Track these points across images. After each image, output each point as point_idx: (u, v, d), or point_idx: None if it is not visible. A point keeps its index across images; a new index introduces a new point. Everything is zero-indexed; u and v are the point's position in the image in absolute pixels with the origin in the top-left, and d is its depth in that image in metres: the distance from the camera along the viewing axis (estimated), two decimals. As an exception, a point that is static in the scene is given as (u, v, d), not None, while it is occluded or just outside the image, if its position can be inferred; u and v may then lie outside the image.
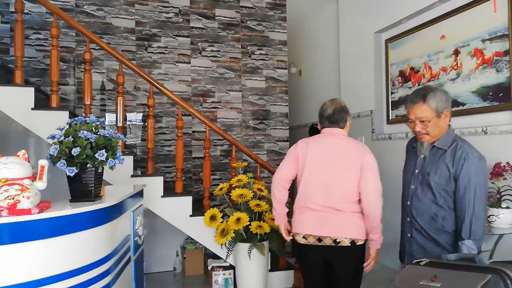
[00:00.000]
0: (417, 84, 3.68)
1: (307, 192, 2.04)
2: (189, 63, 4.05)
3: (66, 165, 1.48)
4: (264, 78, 4.29)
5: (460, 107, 3.16)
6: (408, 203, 2.02)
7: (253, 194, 2.98)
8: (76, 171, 1.50)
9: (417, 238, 1.95)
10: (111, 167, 1.60)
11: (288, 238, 2.19)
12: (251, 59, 4.25)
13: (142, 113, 3.65)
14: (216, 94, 4.11)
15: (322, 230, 1.97)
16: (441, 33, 3.37)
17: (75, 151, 1.48)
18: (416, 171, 2.00)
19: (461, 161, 1.81)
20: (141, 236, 2.18)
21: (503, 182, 2.61)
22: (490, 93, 2.90)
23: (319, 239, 1.97)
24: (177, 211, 3.02)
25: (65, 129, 1.58)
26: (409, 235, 2.00)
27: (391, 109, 4.06)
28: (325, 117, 2.17)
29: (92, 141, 1.55)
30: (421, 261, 1.22)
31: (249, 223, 2.86)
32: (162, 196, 3.01)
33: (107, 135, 1.60)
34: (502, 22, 2.78)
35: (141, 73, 3.06)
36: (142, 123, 3.58)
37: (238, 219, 2.86)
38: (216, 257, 3.23)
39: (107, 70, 3.79)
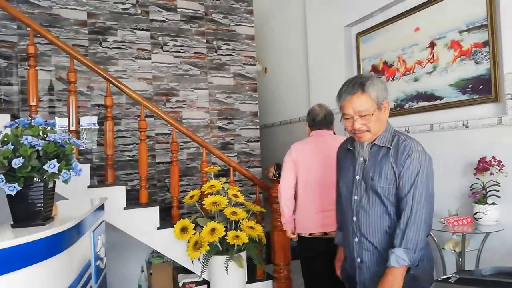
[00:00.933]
0: (391, 79, 3.60)
1: (309, 193, 2.24)
2: (149, 59, 3.72)
3: (4, 180, 1.16)
4: (232, 75, 4.05)
5: (438, 101, 3.10)
6: (354, 218, 1.65)
7: (228, 200, 2.73)
8: (19, 188, 1.19)
9: (369, 262, 1.61)
10: (65, 181, 1.29)
11: (294, 237, 2.37)
12: (218, 54, 3.99)
13: (97, 116, 3.27)
14: (181, 92, 3.82)
15: (327, 227, 2.17)
16: (416, 25, 3.29)
17: (17, 162, 1.17)
18: (357, 178, 1.67)
19: (404, 157, 1.60)
20: (104, 258, 1.86)
21: (488, 177, 2.55)
22: (470, 86, 2.85)
23: (325, 233, 2.20)
24: (142, 224, 2.71)
25: (3, 134, 1.25)
26: (358, 260, 1.63)
27: (364, 105, 3.94)
28: (318, 121, 2.42)
29: (39, 148, 1.24)
30: (449, 277, 1.04)
31: (225, 233, 2.61)
32: (124, 208, 2.68)
33: (59, 140, 1.29)
34: (481, 13, 2.72)
35: (96, 69, 2.71)
36: (98, 126, 3.21)
37: (213, 230, 2.60)
38: (186, 271, 2.95)
39: (56, 67, 3.38)
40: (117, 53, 3.62)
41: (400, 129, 3.59)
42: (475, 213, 2.56)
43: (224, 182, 2.86)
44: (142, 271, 3.41)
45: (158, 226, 2.76)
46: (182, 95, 3.82)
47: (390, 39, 3.59)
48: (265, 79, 6.23)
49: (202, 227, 2.67)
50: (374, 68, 3.79)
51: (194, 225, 2.70)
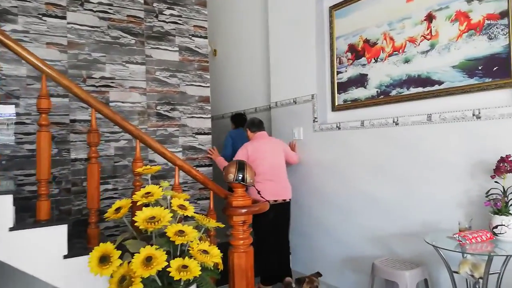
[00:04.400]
0: (373, 61, 3.01)
1: (263, 173, 3.10)
2: (64, 18, 2.77)
3: None
4: (177, 49, 3.22)
5: (436, 87, 2.55)
6: None
7: (172, 214, 1.93)
8: None
9: None
10: None
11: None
12: (159, 21, 3.13)
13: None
14: (108, 67, 2.91)
15: (277, 196, 3.19)
16: (409, -6, 2.72)
17: None
18: None
19: None
20: None
21: (510, 180, 2.03)
22: (480, 67, 2.32)
23: (275, 200, 3.15)
24: (40, 251, 1.82)
25: None
26: None
27: (338, 93, 3.34)
28: (256, 125, 3.37)
29: None
30: None
31: (167, 263, 1.81)
32: (11, 229, 1.78)
33: None
34: (501, -26, 2.20)
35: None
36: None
37: (149, 259, 1.78)
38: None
39: None
40: (16, 7, 2.63)
41: (385, 121, 3.07)
42: (495, 227, 2.02)
43: (167, 188, 2.06)
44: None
45: (66, 253, 1.89)
46: (110, 70, 2.92)
47: (373, 12, 3.00)
48: (214, 63, 5.44)
49: (133, 255, 1.84)
50: (352, 48, 3.19)
51: (120, 251, 1.86)
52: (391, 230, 2.78)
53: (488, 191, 2.08)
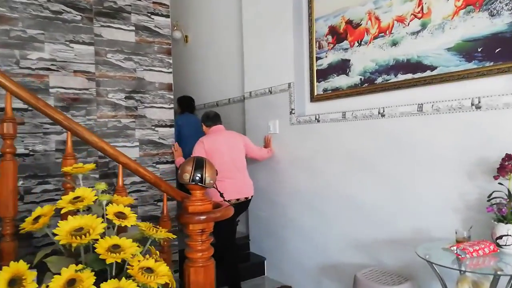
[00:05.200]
0: (356, 44, 2.67)
1: (222, 171, 2.59)
2: (-10, -14, 2.33)
3: None
4: (133, 28, 2.81)
5: (428, 73, 2.23)
6: None
7: (106, 225, 1.54)
8: None
9: None
10: None
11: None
12: (111, -6, 2.72)
13: None
14: (47, 46, 2.49)
15: (239, 194, 3.02)
16: (398, -34, 2.39)
17: None
18: None
19: None
20: None
21: (517, 182, 1.72)
22: (479, 49, 2.00)
23: (237, 199, 3.01)
24: None
25: None
26: None
27: (317, 81, 2.99)
28: (211, 119, 3.17)
29: None
30: None
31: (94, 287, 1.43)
32: None
33: None
34: None
35: None
36: None
37: (71, 282, 1.40)
38: None
39: None
40: None
41: (369, 112, 2.52)
42: (500, 237, 1.71)
43: (103, 191, 1.68)
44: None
45: (-33, 275, 1.48)
46: (50, 50, 2.49)
47: (357, -12, 2.66)
48: (186, 50, 5.03)
49: (53, 276, 1.45)
50: (333, 30, 2.84)
51: (35, 273, 1.47)
52: (376, 236, 2.46)
53: (491, 194, 1.78)
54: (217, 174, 1.97)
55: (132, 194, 2.77)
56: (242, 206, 3.09)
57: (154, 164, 2.88)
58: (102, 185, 1.70)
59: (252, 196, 3.14)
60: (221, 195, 2.07)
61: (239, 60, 3.85)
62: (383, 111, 2.40)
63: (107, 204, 1.65)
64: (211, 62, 4.49)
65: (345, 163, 2.67)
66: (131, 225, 1.63)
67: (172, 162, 2.97)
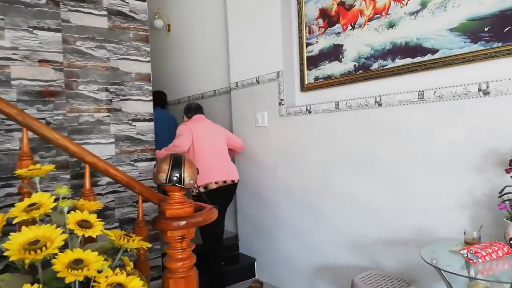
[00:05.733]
0: (350, 28, 2.48)
1: (207, 154, 2.92)
2: None
3: None
4: (106, 12, 2.57)
5: (429, 56, 2.04)
6: None
7: (66, 236, 1.33)
8: None
9: None
10: None
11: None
12: (79, -25, 2.47)
13: None
14: (7, 33, 2.24)
15: (225, 176, 2.98)
16: None
17: None
18: None
19: None
20: None
21: (532, 176, 1.55)
22: (486, 29, 1.82)
23: (224, 181, 2.97)
24: None
25: None
26: None
27: (308, 69, 2.80)
28: (193, 110, 3.20)
29: None
30: None
31: (54, 311, 1.23)
32: None
33: None
34: None
35: None
36: None
37: (25, 306, 1.19)
38: None
39: None
40: None
41: (365, 101, 2.30)
42: (513, 238, 1.54)
43: (64, 197, 1.48)
44: None
45: None
46: (11, 38, 2.24)
47: (350, -34, 2.46)
48: (169, 39, 4.78)
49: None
50: (324, 14, 2.64)
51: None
52: (375, 236, 2.28)
53: (503, 189, 1.60)
54: (198, 173, 1.77)
55: (109, 196, 2.55)
56: (230, 190, 3.04)
57: (132, 162, 2.66)
58: (64, 189, 1.49)
59: (238, 181, 3.07)
60: (205, 200, 1.87)
61: (225, 48, 3.63)
62: (380, 100, 2.22)
63: (69, 211, 1.44)
64: (196, 52, 4.26)
65: (340, 158, 2.48)
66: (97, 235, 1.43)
67: (153, 159, 2.75)
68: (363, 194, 2.34)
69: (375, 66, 2.33)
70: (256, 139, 3.20)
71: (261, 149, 3.15)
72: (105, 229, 1.45)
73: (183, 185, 1.66)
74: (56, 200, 1.46)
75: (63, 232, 1.34)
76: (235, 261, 3.33)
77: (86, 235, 1.38)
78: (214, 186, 2.89)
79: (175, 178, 1.64)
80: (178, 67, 4.62)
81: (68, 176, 2.39)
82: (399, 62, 2.19)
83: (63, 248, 1.32)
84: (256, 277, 3.30)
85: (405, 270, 2.10)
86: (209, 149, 2.94)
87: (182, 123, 3.08)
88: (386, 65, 2.26)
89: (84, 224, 1.41)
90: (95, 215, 1.46)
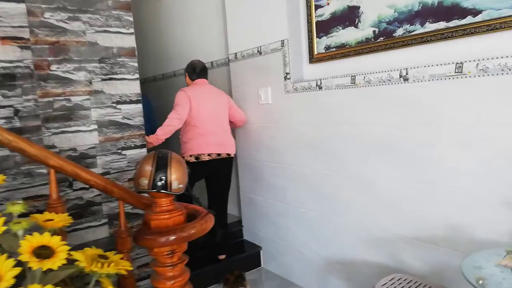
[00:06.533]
0: (368, -14, 2.08)
1: (204, 123, 2.76)
2: None
3: None
4: (77, -24, 2.19)
5: (469, 19, 1.67)
6: None
7: (19, 271, 1.06)
8: None
9: None
10: None
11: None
12: None
13: None
14: (-41, 5, 1.89)
15: (220, 148, 2.81)
16: None
17: None
18: None
19: None
20: None
21: None
22: (548, -18, 1.44)
23: (219, 154, 2.81)
24: None
25: None
26: None
27: (317, 36, 2.43)
28: (197, 73, 2.93)
29: None
30: None
31: None
32: None
33: None
34: None
35: None
36: None
37: None
38: None
39: None
40: None
41: (387, 75, 1.80)
42: None
43: (20, 217, 1.20)
44: None
45: None
46: (-37, 10, 1.89)
47: None
48: (161, 9, 4.36)
49: None
50: (337, -31, 2.24)
51: None
52: (397, 231, 2.00)
53: None
54: (189, 174, 1.47)
55: (94, 189, 2.27)
56: (223, 166, 2.88)
57: (120, 151, 2.36)
58: (17, 206, 1.20)
59: (234, 155, 2.94)
60: (195, 199, 1.57)
61: (223, 16, 3.24)
62: (406, 74, 1.87)
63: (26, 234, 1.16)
64: (191, 20, 3.86)
65: (357, 140, 2.16)
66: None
67: (143, 146, 2.45)
68: (385, 182, 2.04)
69: (399, 32, 1.96)
70: (259, 117, 2.88)
71: (265, 129, 2.83)
72: (92, 227, 1.18)
73: (170, 191, 1.36)
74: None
75: (16, 265, 1.06)
76: (239, 249, 3.10)
77: (44, 268, 1.10)
78: (206, 158, 2.77)
79: (159, 184, 1.34)
80: (172, 38, 4.22)
81: (45, 171, 2.10)
82: (430, 26, 1.82)
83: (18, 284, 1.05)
84: (261, 266, 3.08)
85: (434, 273, 1.83)
86: (207, 118, 2.76)
87: (181, 89, 2.82)
88: (414, 31, 1.89)
89: (43, 252, 1.13)
90: (59, 237, 1.17)
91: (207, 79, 2.97)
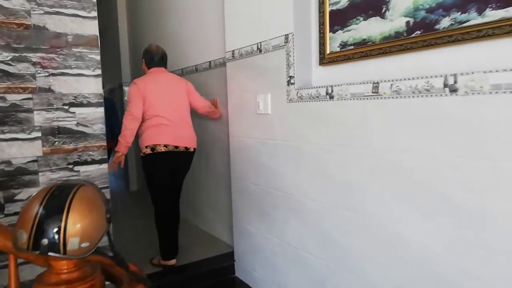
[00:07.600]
0: (402, -39, 1.53)
1: (160, 114, 2.59)
2: None
3: None
4: None
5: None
6: None
7: None
8: None
9: None
10: None
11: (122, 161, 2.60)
12: None
13: None
14: None
15: (178, 140, 2.65)
16: None
17: None
18: None
19: None
20: None
21: None
22: None
23: (176, 147, 2.64)
24: None
25: None
26: None
27: (331, 30, 1.89)
28: (155, 62, 2.75)
29: None
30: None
31: None
32: None
33: None
34: None
35: None
36: None
37: None
38: None
39: None
40: None
41: (425, 83, 1.36)
42: None
43: None
44: None
45: None
46: None
47: None
48: (156, 2, 3.91)
49: None
50: None
51: None
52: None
53: None
54: (109, 219, 0.96)
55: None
56: (181, 159, 2.72)
57: (71, 166, 1.87)
58: None
59: (194, 150, 2.77)
60: (119, 261, 1.05)
61: (221, 8, 2.74)
62: (455, 82, 1.30)
63: None
64: (188, 15, 3.38)
65: (381, 174, 1.60)
66: None
67: (103, 161, 1.96)
68: (419, 239, 1.46)
69: (444, 23, 1.40)
70: (256, 131, 2.35)
71: (264, 146, 2.30)
72: None
73: (65, 254, 0.84)
74: None
75: None
76: (228, 290, 2.56)
77: None
78: (162, 149, 2.62)
79: (45, 242, 0.83)
80: (168, 34, 3.76)
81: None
82: (490, 15, 1.26)
83: None
84: (254, 313, 2.53)
85: None
86: (163, 108, 2.62)
87: (133, 81, 2.65)
88: (466, 21, 1.33)
89: None
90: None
91: (165, 68, 2.80)
